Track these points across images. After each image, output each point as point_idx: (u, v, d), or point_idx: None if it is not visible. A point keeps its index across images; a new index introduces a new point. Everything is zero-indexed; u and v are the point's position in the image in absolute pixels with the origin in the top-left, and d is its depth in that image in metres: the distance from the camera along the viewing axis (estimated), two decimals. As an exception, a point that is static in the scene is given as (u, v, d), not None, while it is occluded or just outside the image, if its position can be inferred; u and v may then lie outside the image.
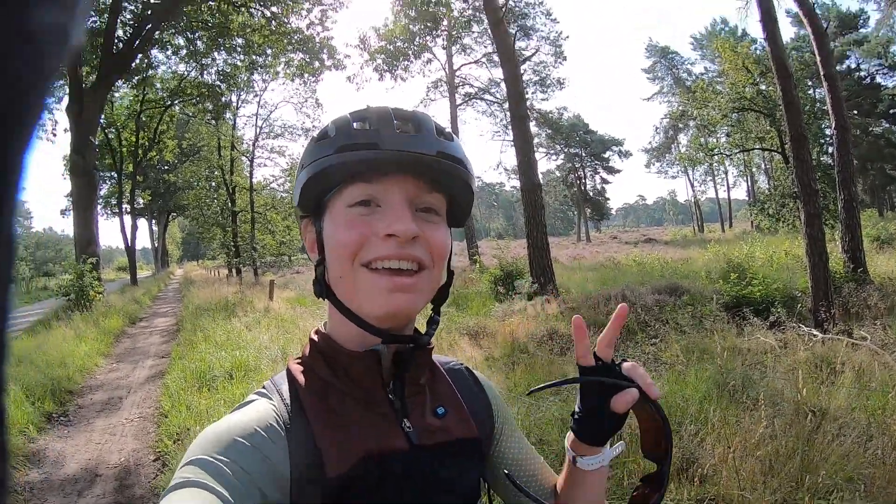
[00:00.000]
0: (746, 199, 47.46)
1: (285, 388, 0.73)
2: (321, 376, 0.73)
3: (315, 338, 0.77)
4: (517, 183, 12.06)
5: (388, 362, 0.74)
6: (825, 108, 12.61)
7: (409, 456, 0.70)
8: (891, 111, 39.68)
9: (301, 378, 0.74)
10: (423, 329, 0.78)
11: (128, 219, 27.58)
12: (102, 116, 20.05)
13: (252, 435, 0.64)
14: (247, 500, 0.58)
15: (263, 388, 0.75)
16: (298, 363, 0.77)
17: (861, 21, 39.35)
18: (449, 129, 0.75)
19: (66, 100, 15.75)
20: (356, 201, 0.70)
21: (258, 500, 0.60)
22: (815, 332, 6.29)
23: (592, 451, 0.80)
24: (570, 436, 0.82)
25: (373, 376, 0.73)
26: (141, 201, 36.10)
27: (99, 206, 21.37)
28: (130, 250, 25.88)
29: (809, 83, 27.16)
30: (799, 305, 7.74)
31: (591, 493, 0.82)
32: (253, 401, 0.71)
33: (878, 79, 40.09)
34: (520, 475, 0.85)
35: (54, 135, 20.80)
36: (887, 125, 41.03)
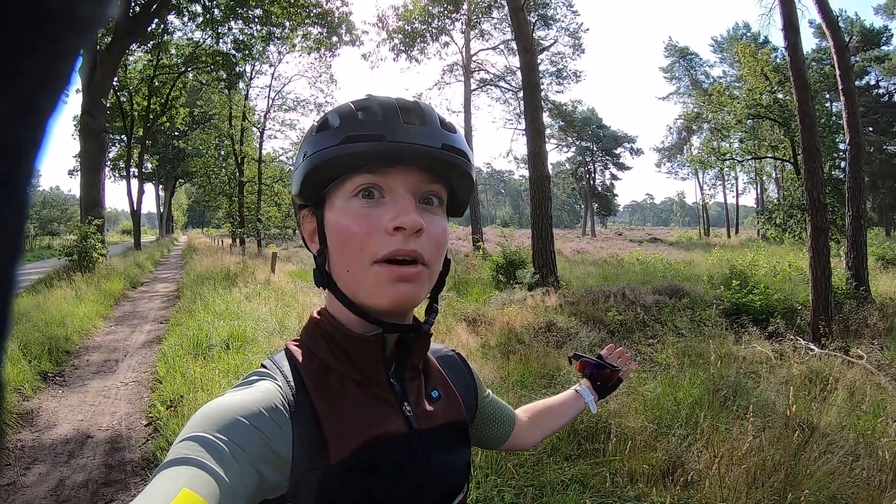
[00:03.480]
0: (755, 206, 47.15)
1: (287, 369, 0.72)
2: (321, 357, 0.72)
3: (318, 318, 0.76)
4: (526, 172, 12.04)
5: (391, 347, 0.75)
6: (841, 122, 12.47)
7: (408, 439, 0.72)
8: (906, 130, 39.36)
9: (301, 359, 0.73)
10: (421, 316, 0.79)
11: (135, 182, 27.52)
12: (115, 79, 19.96)
13: (255, 415, 0.62)
14: (244, 480, 0.57)
15: (264, 367, 0.73)
16: (296, 344, 0.76)
17: (884, 38, 39.00)
18: (450, 121, 0.75)
19: (79, 60, 15.66)
20: (359, 189, 0.70)
21: (255, 482, 0.59)
22: (812, 346, 6.29)
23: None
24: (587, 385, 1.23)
25: (377, 360, 0.73)
26: (149, 166, 35.98)
27: (107, 169, 21.31)
28: (136, 214, 25.83)
29: (827, 96, 26.86)
30: (798, 318, 7.74)
31: (568, 419, 1.18)
32: (256, 380, 0.69)
33: (897, 98, 39.80)
34: (496, 422, 1.01)
35: (66, 95, 20.72)
36: (901, 145, 40.71)
